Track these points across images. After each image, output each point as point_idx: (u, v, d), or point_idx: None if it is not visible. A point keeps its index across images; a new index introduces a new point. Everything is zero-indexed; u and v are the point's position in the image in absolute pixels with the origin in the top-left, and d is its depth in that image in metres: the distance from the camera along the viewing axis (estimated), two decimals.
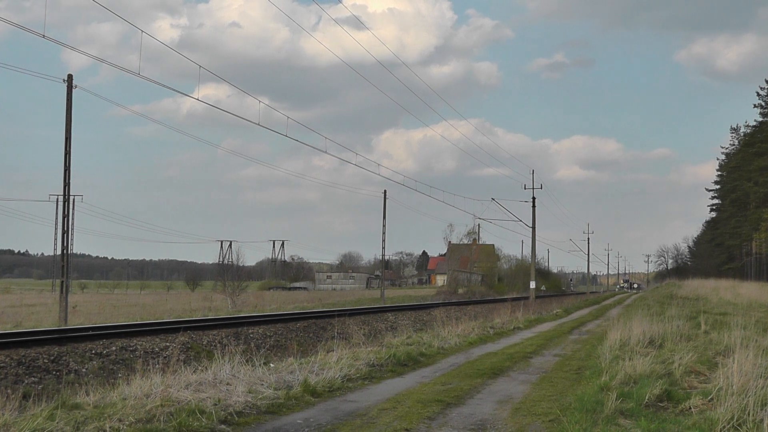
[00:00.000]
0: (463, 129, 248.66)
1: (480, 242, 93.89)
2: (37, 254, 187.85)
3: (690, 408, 7.71)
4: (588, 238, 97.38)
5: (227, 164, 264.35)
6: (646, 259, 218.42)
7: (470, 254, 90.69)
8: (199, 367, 10.33)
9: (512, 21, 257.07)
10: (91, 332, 17.46)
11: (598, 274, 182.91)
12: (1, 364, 13.35)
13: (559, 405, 8.46)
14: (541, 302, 44.32)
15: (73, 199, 73.61)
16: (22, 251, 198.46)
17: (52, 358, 14.43)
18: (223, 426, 7.32)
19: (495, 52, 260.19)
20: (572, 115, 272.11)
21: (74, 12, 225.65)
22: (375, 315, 31.05)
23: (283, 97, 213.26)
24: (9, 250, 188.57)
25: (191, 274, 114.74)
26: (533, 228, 49.37)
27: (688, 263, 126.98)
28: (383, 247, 55.45)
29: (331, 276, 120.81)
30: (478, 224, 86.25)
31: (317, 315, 27.76)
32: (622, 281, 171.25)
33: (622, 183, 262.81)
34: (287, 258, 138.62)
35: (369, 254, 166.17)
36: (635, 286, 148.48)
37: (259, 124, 30.39)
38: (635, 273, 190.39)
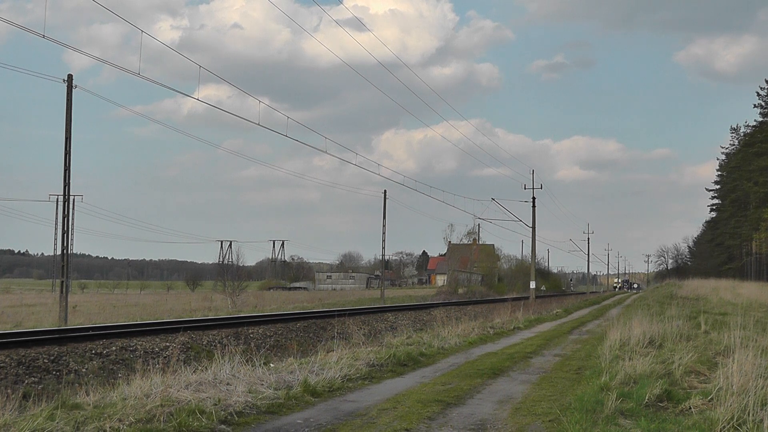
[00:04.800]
0: (464, 129, 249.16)
1: (480, 242, 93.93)
2: (37, 254, 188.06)
3: (690, 408, 7.71)
4: (588, 238, 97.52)
5: (228, 164, 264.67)
6: (646, 259, 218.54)
7: (470, 254, 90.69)
8: (199, 367, 10.33)
9: (513, 22, 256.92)
10: (91, 332, 17.47)
11: (598, 274, 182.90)
12: (1, 364, 13.35)
13: (559, 405, 8.46)
14: (541, 302, 44.33)
15: (73, 199, 73.65)
16: (22, 251, 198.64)
17: (52, 358, 14.43)
18: (223, 426, 7.32)
19: (496, 53, 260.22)
20: (572, 115, 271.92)
21: (76, 13, 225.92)
22: (375, 315, 31.05)
23: (283, 97, 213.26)
24: (9, 250, 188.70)
25: (191, 274, 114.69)
26: (533, 228, 49.39)
27: (688, 263, 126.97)
28: (383, 247, 55.50)
29: (331, 276, 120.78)
30: (478, 224, 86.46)
31: (317, 315, 27.77)
32: (616, 280, 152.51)
33: (622, 183, 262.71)
34: (287, 258, 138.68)
35: (369, 254, 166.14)
36: (635, 286, 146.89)
37: (259, 125, 30.42)
38: (635, 273, 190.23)
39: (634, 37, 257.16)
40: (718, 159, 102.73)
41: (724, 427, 6.71)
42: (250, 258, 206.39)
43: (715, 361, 10.85)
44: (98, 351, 15.66)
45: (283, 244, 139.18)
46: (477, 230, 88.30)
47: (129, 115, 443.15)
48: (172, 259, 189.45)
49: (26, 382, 13.08)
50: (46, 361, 14.20)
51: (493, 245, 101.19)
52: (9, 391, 10.22)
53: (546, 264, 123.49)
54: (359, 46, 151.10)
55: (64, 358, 14.66)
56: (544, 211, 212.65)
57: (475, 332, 19.02)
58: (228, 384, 9.07)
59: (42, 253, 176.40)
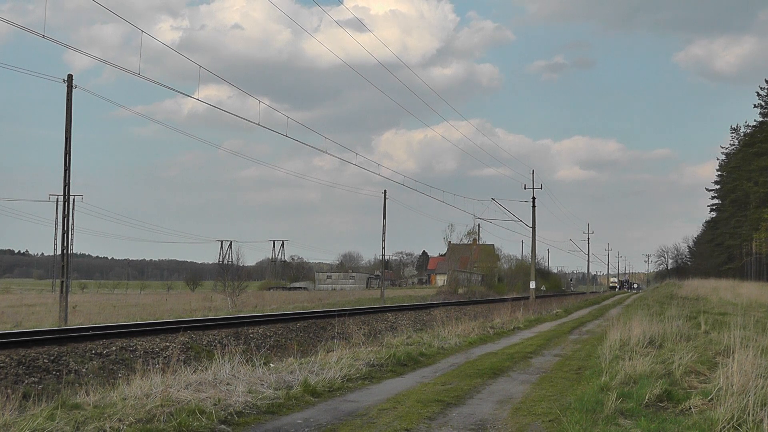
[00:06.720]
0: (464, 130, 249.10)
1: (480, 242, 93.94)
2: (37, 254, 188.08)
3: (690, 408, 7.71)
4: (588, 238, 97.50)
5: (228, 164, 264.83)
6: (646, 259, 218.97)
7: (470, 254, 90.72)
8: (199, 367, 10.34)
9: (513, 23, 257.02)
10: (91, 332, 17.46)
11: (598, 274, 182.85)
12: (1, 364, 13.34)
13: (559, 405, 8.46)
14: (541, 302, 44.32)
15: (73, 199, 73.66)
16: (22, 251, 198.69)
17: (52, 358, 14.43)
18: (223, 426, 7.32)
19: (496, 53, 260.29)
20: (573, 115, 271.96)
21: (77, 14, 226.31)
22: (375, 315, 31.04)
23: (284, 98, 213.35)
24: (9, 250, 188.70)
25: (191, 274, 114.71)
26: (533, 228, 49.38)
27: (688, 263, 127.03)
28: (383, 247, 55.49)
29: (331, 276, 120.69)
30: (478, 224, 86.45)
31: (317, 315, 27.76)
32: (613, 280, 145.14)
33: (622, 183, 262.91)
34: (287, 258, 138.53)
35: (369, 254, 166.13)
36: (635, 286, 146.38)
37: (259, 125, 30.33)
38: (635, 273, 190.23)
39: (634, 37, 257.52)
40: (718, 159, 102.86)
41: (724, 427, 6.71)
42: (250, 258, 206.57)
43: (715, 361, 10.85)
44: (98, 351, 15.66)
45: (283, 244, 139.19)
46: (477, 230, 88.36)
47: (129, 115, 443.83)
48: (172, 259, 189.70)
49: (26, 382, 13.08)
50: (46, 361, 14.20)
51: (493, 245, 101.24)
52: (9, 391, 10.22)
53: (546, 264, 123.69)
54: (360, 46, 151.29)
55: (64, 358, 14.65)
56: (544, 211, 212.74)
57: (475, 332, 19.02)
58: (228, 384, 9.07)
59: (42, 253, 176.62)
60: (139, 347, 16.61)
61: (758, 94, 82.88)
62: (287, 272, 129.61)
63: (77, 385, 11.68)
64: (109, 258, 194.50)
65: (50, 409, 7.41)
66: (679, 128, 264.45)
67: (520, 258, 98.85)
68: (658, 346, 13.12)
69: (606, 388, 8.87)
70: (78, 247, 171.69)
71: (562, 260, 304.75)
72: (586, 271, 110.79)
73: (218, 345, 17.09)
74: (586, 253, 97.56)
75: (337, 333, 21.01)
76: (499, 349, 15.69)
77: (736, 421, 6.76)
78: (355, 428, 7.37)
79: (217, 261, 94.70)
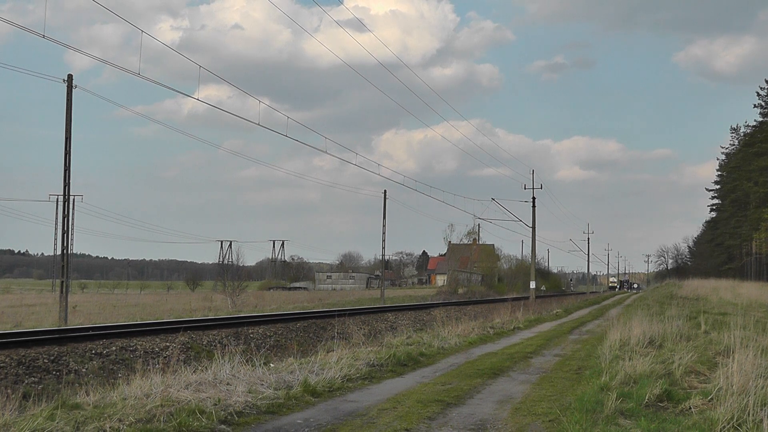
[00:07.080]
0: (464, 130, 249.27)
1: (480, 242, 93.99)
2: (37, 254, 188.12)
3: (690, 408, 7.71)
4: (588, 238, 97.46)
5: (228, 164, 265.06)
6: (646, 259, 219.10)
7: (470, 254, 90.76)
8: (199, 367, 10.34)
9: (513, 23, 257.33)
10: (91, 332, 17.47)
11: (599, 274, 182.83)
12: (1, 364, 13.35)
13: (559, 405, 8.46)
14: (541, 302, 44.32)
15: (73, 199, 73.66)
16: (22, 251, 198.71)
17: (52, 358, 14.43)
18: (223, 426, 7.32)
19: (496, 53, 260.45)
20: (573, 115, 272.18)
21: (77, 14, 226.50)
22: (375, 315, 31.04)
23: (284, 98, 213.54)
24: (9, 250, 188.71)
25: (191, 274, 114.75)
26: (533, 228, 49.37)
27: (688, 263, 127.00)
28: (383, 247, 55.49)
29: (331, 276, 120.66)
30: (478, 224, 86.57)
31: (317, 315, 27.77)
32: (612, 280, 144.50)
33: (622, 183, 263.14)
34: (287, 258, 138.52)
35: (369, 254, 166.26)
36: (635, 286, 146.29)
37: (259, 125, 30.31)
38: (635, 273, 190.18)
39: (634, 37, 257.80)
40: (718, 159, 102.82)
41: (724, 427, 6.71)
42: (250, 258, 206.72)
43: (715, 361, 10.85)
44: (98, 351, 15.66)
45: (283, 244, 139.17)
46: (477, 230, 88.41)
47: (129, 115, 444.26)
48: (172, 259, 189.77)
49: (26, 382, 13.08)
50: (46, 361, 14.20)
51: (493, 245, 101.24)
52: (9, 391, 10.22)
53: (546, 264, 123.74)
54: (360, 46, 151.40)
55: (64, 358, 14.65)
56: (544, 211, 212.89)
57: (475, 332, 19.02)
58: (228, 384, 9.07)
59: (42, 253, 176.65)
60: (139, 347, 16.61)
61: (758, 94, 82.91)
62: (287, 272, 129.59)
63: (77, 385, 11.69)
64: (109, 258, 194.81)
65: (50, 409, 7.41)
66: (679, 128, 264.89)
67: (520, 258, 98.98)
68: (658, 346, 13.12)
69: (606, 388, 8.87)
70: (78, 247, 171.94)
71: (562, 260, 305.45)
72: (586, 271, 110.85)
73: (218, 345, 17.09)
74: (586, 253, 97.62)
75: (337, 333, 21.01)
76: (499, 349, 15.69)
77: (736, 421, 6.76)
78: (355, 428, 7.37)
79: (217, 261, 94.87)
